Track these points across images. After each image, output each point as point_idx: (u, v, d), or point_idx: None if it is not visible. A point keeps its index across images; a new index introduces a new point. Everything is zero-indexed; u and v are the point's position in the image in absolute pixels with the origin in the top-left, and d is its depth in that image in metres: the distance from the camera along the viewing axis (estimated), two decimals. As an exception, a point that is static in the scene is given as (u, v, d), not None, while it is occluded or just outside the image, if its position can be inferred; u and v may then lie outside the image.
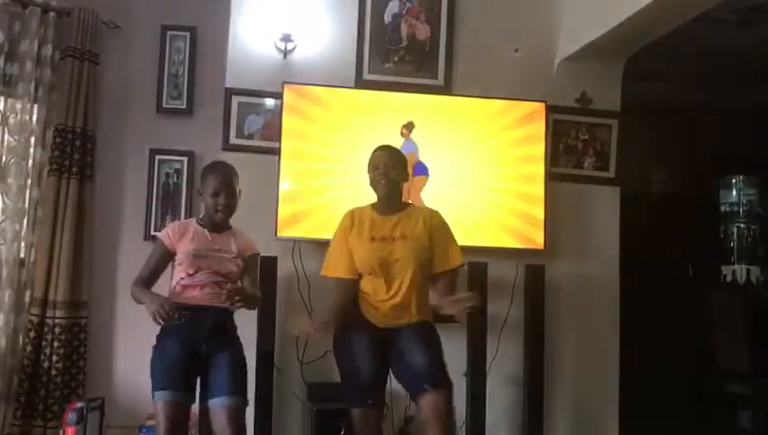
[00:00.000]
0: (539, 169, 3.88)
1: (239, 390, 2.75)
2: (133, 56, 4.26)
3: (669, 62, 4.72)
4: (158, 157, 4.21)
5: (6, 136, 3.88)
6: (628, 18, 3.38)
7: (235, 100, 3.81)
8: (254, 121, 3.83)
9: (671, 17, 3.47)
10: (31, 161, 3.94)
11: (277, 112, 3.75)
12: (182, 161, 4.22)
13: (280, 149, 3.66)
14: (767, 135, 5.60)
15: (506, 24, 4.07)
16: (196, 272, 2.78)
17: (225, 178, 2.87)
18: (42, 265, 3.88)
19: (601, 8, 3.65)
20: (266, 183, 3.53)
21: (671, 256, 5.75)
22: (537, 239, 3.83)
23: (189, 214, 4.09)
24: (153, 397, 2.65)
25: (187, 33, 4.26)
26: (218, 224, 2.89)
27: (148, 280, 2.85)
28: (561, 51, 4.06)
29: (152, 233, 4.14)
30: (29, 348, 3.85)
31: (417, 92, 3.87)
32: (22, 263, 3.89)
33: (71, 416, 3.61)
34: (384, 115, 3.78)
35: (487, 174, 3.84)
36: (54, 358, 3.85)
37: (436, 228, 2.88)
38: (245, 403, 2.78)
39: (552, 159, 4.02)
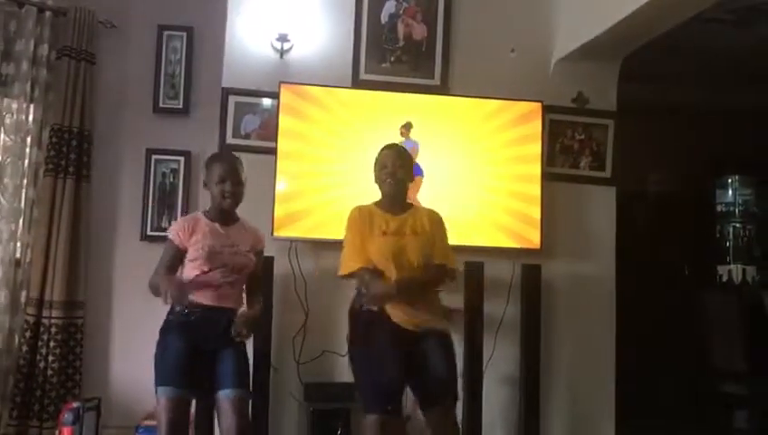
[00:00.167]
0: (535, 169, 3.88)
1: (243, 382, 2.79)
2: (130, 56, 4.26)
3: (665, 62, 4.73)
4: (154, 157, 4.21)
5: (2, 136, 3.89)
6: (624, 18, 3.39)
7: (232, 99, 3.81)
8: (250, 121, 3.82)
9: (667, 17, 3.48)
10: (27, 161, 3.94)
11: (274, 112, 3.75)
12: (179, 161, 4.22)
13: (276, 148, 3.66)
14: (763, 135, 5.62)
15: (502, 24, 4.07)
16: (210, 269, 2.77)
17: (231, 165, 2.89)
18: (38, 265, 3.87)
19: (597, 8, 3.65)
20: (263, 183, 3.53)
21: (667, 256, 5.76)
22: (533, 239, 3.83)
23: (186, 214, 4.08)
24: (156, 392, 2.68)
25: (184, 33, 4.27)
26: (226, 214, 2.89)
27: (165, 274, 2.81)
28: (558, 51, 4.06)
29: (149, 233, 4.16)
30: (25, 348, 3.84)
31: (414, 92, 3.87)
32: (18, 263, 3.89)
33: (67, 416, 3.61)
34: (381, 115, 3.79)
35: (484, 174, 3.84)
36: (50, 358, 3.85)
37: (437, 227, 2.94)
38: (250, 395, 2.86)
39: (549, 158, 4.02)
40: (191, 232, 2.83)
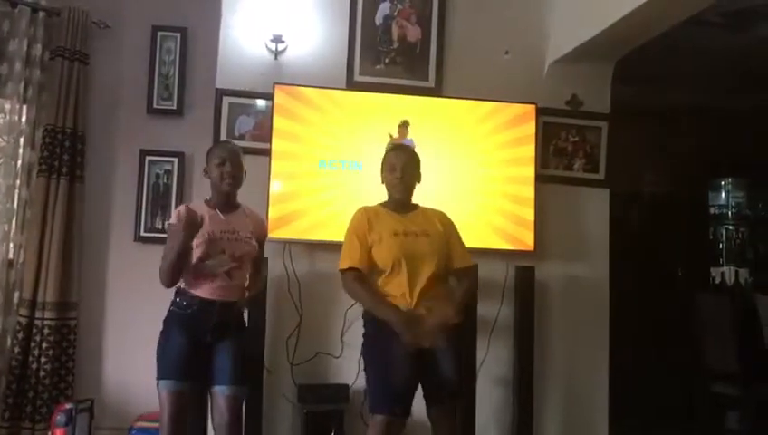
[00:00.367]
0: (529, 171, 3.89)
1: (240, 379, 2.80)
2: (123, 56, 4.26)
3: (659, 64, 4.75)
4: (148, 158, 4.20)
5: (-5, 136, 3.87)
6: (618, 21, 3.39)
7: (226, 100, 3.80)
8: (244, 122, 3.82)
9: (661, 19, 3.48)
10: (20, 162, 3.93)
11: (268, 113, 3.75)
12: (172, 162, 4.21)
13: (271, 150, 3.66)
14: (756, 137, 5.64)
15: (497, 26, 4.07)
16: (207, 258, 2.77)
17: (232, 149, 2.92)
18: (30, 266, 3.86)
19: (591, 11, 3.66)
20: (257, 184, 3.51)
21: (661, 258, 5.78)
22: (527, 241, 3.84)
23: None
24: (157, 385, 2.72)
25: (178, 34, 4.26)
26: (227, 200, 2.88)
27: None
28: (552, 53, 4.07)
29: (142, 234, 4.16)
30: (17, 349, 3.83)
31: (408, 94, 3.87)
32: (10, 264, 3.88)
33: (59, 418, 3.60)
34: (375, 117, 3.79)
35: (478, 175, 3.84)
36: (43, 359, 3.83)
37: (452, 228, 2.93)
38: (245, 393, 2.88)
39: (542, 160, 4.03)
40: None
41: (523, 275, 3.80)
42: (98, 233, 4.16)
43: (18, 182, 3.91)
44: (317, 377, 3.71)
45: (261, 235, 2.98)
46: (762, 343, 4.52)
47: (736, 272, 5.78)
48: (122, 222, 4.18)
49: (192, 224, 2.66)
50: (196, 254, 2.78)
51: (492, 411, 3.84)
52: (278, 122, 3.69)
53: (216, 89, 3.81)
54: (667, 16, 3.44)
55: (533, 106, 3.91)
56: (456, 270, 2.91)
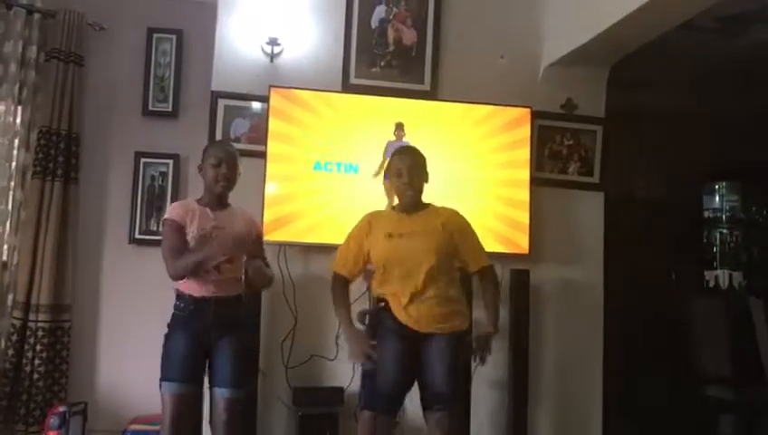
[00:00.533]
0: (524, 174, 3.90)
1: (239, 382, 2.82)
2: (119, 58, 4.25)
3: (654, 68, 4.76)
4: (143, 159, 4.20)
5: (-10, 137, 3.86)
6: (613, 25, 3.41)
7: (222, 103, 3.80)
8: (240, 125, 3.82)
9: (656, 24, 3.50)
10: (14, 163, 3.92)
11: (263, 116, 3.75)
12: (167, 164, 4.21)
13: (266, 152, 3.66)
14: (750, 141, 5.66)
15: (492, 30, 4.09)
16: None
17: (228, 151, 2.91)
18: (24, 268, 3.85)
19: (587, 15, 3.67)
20: (252, 186, 3.52)
21: (655, 261, 5.78)
22: (522, 244, 3.84)
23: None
24: (160, 386, 2.73)
25: (174, 36, 4.26)
26: (219, 200, 2.89)
27: (180, 251, 2.76)
28: (547, 57, 4.08)
29: (137, 236, 4.15)
30: (11, 352, 3.82)
31: (404, 97, 3.87)
32: (4, 266, 3.87)
33: (53, 420, 3.59)
34: (370, 119, 3.79)
35: (473, 179, 3.85)
36: (37, 362, 3.82)
37: (462, 228, 2.89)
38: (245, 395, 2.90)
39: (537, 164, 4.04)
40: (185, 213, 2.82)
41: (518, 278, 3.81)
42: (92, 235, 4.15)
43: (12, 184, 3.90)
44: (312, 380, 3.71)
45: (250, 234, 2.94)
46: (755, 347, 4.53)
47: (730, 275, 5.78)
48: (117, 224, 4.17)
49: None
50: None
51: (487, 414, 3.85)
52: (273, 125, 3.69)
53: (212, 91, 3.81)
54: (661, 21, 3.45)
55: (528, 110, 3.93)
56: (475, 274, 2.90)
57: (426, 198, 2.90)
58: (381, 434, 2.75)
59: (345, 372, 3.62)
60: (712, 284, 5.76)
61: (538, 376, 3.91)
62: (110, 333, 4.12)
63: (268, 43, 3.82)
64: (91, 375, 4.08)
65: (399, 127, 3.77)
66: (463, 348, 2.83)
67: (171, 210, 2.86)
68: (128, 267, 4.11)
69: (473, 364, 3.60)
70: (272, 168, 3.67)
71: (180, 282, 2.79)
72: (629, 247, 5.39)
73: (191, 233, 2.78)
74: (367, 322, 3.05)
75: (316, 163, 3.73)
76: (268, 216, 3.61)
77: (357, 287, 3.47)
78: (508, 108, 3.91)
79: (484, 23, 4.08)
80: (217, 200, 2.89)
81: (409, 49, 4.00)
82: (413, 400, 2.80)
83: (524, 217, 3.86)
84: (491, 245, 3.79)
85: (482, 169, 3.87)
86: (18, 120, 3.93)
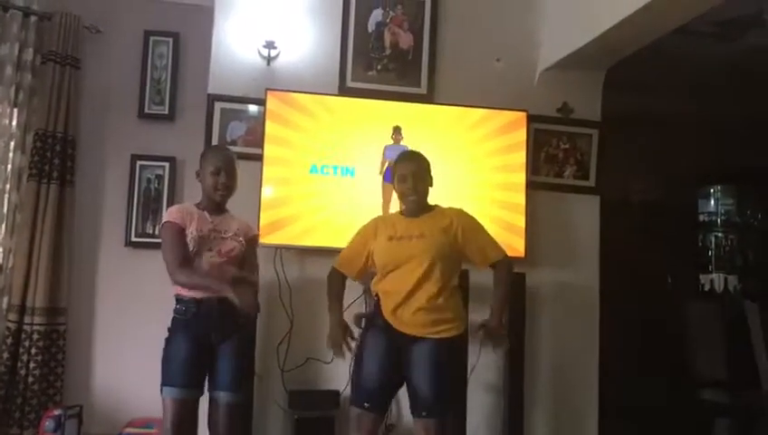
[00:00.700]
0: (520, 178, 3.90)
1: (240, 385, 2.84)
2: (115, 61, 4.25)
3: (650, 72, 4.77)
4: (139, 162, 4.19)
5: (-14, 140, 3.86)
6: (609, 29, 3.41)
7: (218, 106, 3.80)
8: (236, 128, 3.82)
9: (652, 28, 3.51)
10: (10, 166, 3.91)
11: (260, 119, 3.75)
12: (164, 167, 4.20)
13: (262, 155, 3.66)
14: (745, 145, 5.68)
15: (489, 33, 4.09)
16: (196, 255, 2.78)
17: (227, 158, 2.93)
18: (20, 271, 3.84)
19: (583, 19, 3.68)
20: (249, 190, 3.51)
21: (650, 265, 5.79)
22: (518, 247, 3.84)
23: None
24: (161, 391, 2.73)
25: (170, 39, 4.26)
26: (217, 206, 2.91)
27: (188, 261, 2.78)
28: (543, 61, 4.09)
29: (133, 239, 4.14)
30: (6, 355, 3.81)
31: (400, 101, 3.88)
32: (0, 268, 3.85)
33: (48, 424, 3.58)
34: (367, 123, 3.79)
35: (468, 182, 3.85)
36: (32, 365, 3.81)
37: (468, 227, 2.89)
38: (244, 398, 2.94)
39: (533, 167, 4.05)
40: (184, 216, 2.84)
41: (514, 282, 3.76)
42: (88, 238, 4.14)
43: (8, 186, 3.89)
44: (308, 383, 3.70)
45: (248, 234, 2.97)
46: (751, 350, 4.54)
47: (725, 279, 5.81)
48: (113, 227, 4.16)
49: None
50: None
51: (482, 418, 3.85)
52: (270, 128, 3.69)
53: (208, 94, 3.81)
54: (657, 25, 3.46)
55: (525, 113, 3.93)
56: (490, 267, 2.90)
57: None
58: (364, 429, 2.76)
59: (341, 376, 3.62)
60: (707, 287, 5.79)
61: (534, 379, 3.91)
62: (105, 336, 4.11)
63: (265, 47, 3.82)
64: (86, 378, 4.07)
65: (397, 130, 3.78)
66: (453, 354, 2.83)
67: (170, 214, 2.87)
68: (123, 270, 4.11)
69: (469, 367, 3.64)
70: (268, 171, 3.66)
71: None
72: (625, 251, 5.40)
73: (190, 235, 2.79)
74: (363, 325, 3.06)
75: (312, 166, 3.73)
76: (264, 219, 3.61)
77: (355, 290, 3.49)
78: (504, 111, 3.91)
79: (480, 27, 4.09)
80: (216, 206, 2.92)
81: (406, 53, 4.01)
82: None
83: (520, 221, 3.86)
84: (487, 248, 3.81)
85: (478, 172, 3.87)
86: (14, 123, 3.92)
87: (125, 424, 3.80)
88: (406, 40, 4.01)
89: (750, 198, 6.14)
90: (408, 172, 2.85)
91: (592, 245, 4.14)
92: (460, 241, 2.84)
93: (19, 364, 3.81)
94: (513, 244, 3.84)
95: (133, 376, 3.91)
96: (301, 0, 3.93)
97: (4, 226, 3.87)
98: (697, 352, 4.73)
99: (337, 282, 2.96)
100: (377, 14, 3.99)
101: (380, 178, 3.72)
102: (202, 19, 3.97)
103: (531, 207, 3.90)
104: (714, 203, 6.07)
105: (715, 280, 5.84)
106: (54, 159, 3.94)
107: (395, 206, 3.48)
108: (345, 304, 3.54)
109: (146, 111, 4.22)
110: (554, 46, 3.99)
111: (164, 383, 2.73)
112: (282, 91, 3.74)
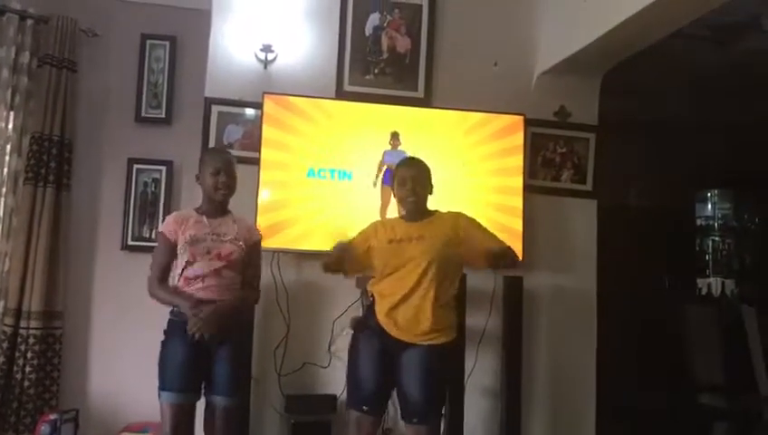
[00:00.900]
0: (517, 182, 3.90)
1: (236, 390, 2.83)
2: (112, 65, 4.24)
3: (647, 76, 4.78)
4: (136, 166, 4.18)
5: (-18, 144, 3.85)
6: (606, 33, 3.42)
7: (215, 109, 3.80)
8: (233, 131, 3.81)
9: (648, 32, 3.52)
10: (6, 169, 3.90)
11: (257, 122, 3.74)
12: (160, 171, 4.20)
13: (260, 159, 3.66)
14: (742, 149, 5.69)
15: (486, 37, 4.09)
16: (194, 260, 2.78)
17: (225, 158, 2.94)
18: (16, 275, 3.83)
19: (580, 23, 3.69)
20: (246, 193, 3.50)
21: (648, 269, 5.80)
22: (515, 251, 3.83)
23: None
24: (159, 395, 2.73)
25: (167, 42, 4.26)
26: (218, 208, 2.90)
27: (164, 278, 2.86)
28: (540, 65, 4.09)
29: (129, 242, 4.13)
30: (2, 359, 3.79)
31: (398, 104, 3.88)
32: (-5, 272, 3.85)
33: (44, 428, 3.57)
34: (364, 126, 3.79)
35: (466, 186, 3.85)
36: (28, 369, 3.80)
37: (467, 226, 2.89)
38: (241, 403, 2.93)
39: (531, 171, 4.04)
40: (181, 224, 2.84)
41: (511, 286, 3.80)
42: (84, 241, 4.13)
43: (4, 190, 3.88)
44: (304, 387, 3.69)
45: (249, 239, 2.95)
46: (748, 355, 4.54)
47: (723, 283, 5.81)
48: (109, 231, 4.15)
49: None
50: (183, 258, 2.80)
51: (480, 422, 3.84)
52: (267, 132, 3.68)
53: (205, 97, 3.81)
54: (654, 29, 3.47)
55: (522, 117, 3.93)
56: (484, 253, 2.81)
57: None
58: (363, 433, 2.77)
59: (338, 380, 3.61)
60: (705, 291, 5.79)
61: (531, 383, 3.91)
62: (101, 340, 4.10)
63: (262, 50, 3.82)
64: (82, 383, 4.06)
65: (395, 136, 3.78)
66: (444, 360, 2.82)
67: (165, 223, 2.91)
68: (120, 274, 4.09)
69: (466, 371, 3.64)
70: (265, 174, 3.66)
71: (179, 286, 2.81)
72: (622, 255, 5.41)
73: (182, 241, 2.80)
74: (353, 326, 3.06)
75: (309, 170, 3.73)
76: (261, 222, 3.59)
77: (353, 294, 3.48)
78: (501, 115, 3.91)
79: (477, 31, 4.09)
80: (216, 208, 2.91)
81: (403, 56, 4.01)
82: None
83: (518, 225, 3.86)
84: (484, 252, 3.81)
85: (475, 175, 3.87)
86: (10, 126, 3.92)
87: (121, 429, 3.78)
88: (403, 44, 4.01)
89: (747, 202, 6.16)
90: (408, 176, 2.87)
91: (589, 248, 4.14)
92: (462, 236, 2.84)
93: (15, 368, 3.80)
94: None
95: (129, 380, 3.90)
96: (298, 3, 3.93)
97: (0, 229, 3.85)
98: (695, 356, 4.73)
99: (338, 265, 2.87)
100: (374, 18, 3.99)
101: (372, 184, 3.72)
102: (199, 22, 3.96)
103: (528, 210, 3.89)
104: (711, 207, 6.08)
105: (713, 284, 5.84)
106: (51, 163, 3.93)
107: (393, 209, 3.49)
108: (342, 307, 3.57)
109: (143, 114, 4.22)
110: (551, 50, 3.99)
111: (161, 388, 2.73)
112: (279, 94, 3.74)
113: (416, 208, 2.88)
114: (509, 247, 2.82)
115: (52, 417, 3.63)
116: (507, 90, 4.04)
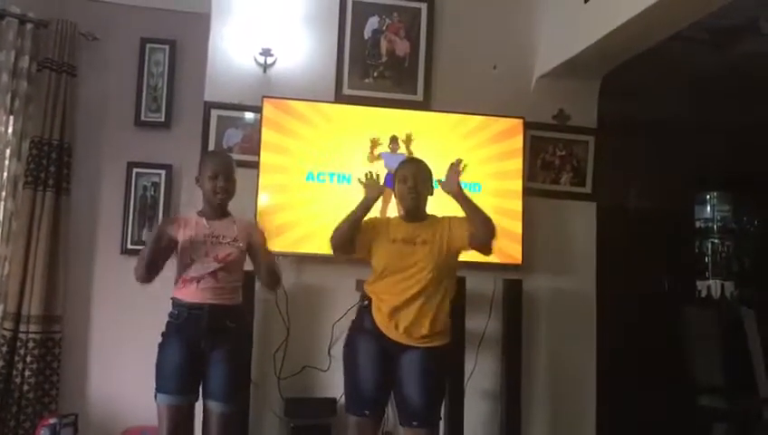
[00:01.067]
0: (516, 185, 3.90)
1: (233, 396, 2.81)
2: (111, 69, 4.25)
3: (645, 79, 4.78)
4: (135, 170, 4.19)
5: (-19, 148, 3.85)
6: (604, 36, 3.42)
7: (214, 113, 3.80)
8: (233, 135, 3.82)
9: (647, 35, 3.52)
10: (6, 173, 3.90)
11: (256, 126, 3.75)
12: (160, 174, 4.20)
13: (259, 162, 3.66)
14: (741, 151, 5.69)
15: (485, 40, 4.10)
16: (192, 262, 2.78)
17: (224, 161, 2.94)
18: (15, 279, 3.83)
19: (578, 26, 3.69)
20: (245, 197, 3.50)
21: (647, 271, 5.80)
22: (515, 254, 3.84)
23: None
24: (155, 397, 2.72)
25: (167, 46, 4.26)
26: (217, 211, 2.90)
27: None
28: (539, 68, 4.10)
29: (129, 247, 4.14)
30: (1, 363, 3.80)
31: (397, 108, 3.88)
32: (-5, 276, 3.84)
33: (43, 432, 3.57)
34: (363, 130, 3.79)
35: (465, 189, 3.84)
36: (27, 373, 3.80)
37: (457, 218, 2.91)
38: (238, 408, 2.91)
39: (530, 174, 4.05)
40: (183, 226, 2.83)
41: (511, 288, 3.80)
42: (84, 245, 4.13)
43: (4, 194, 3.89)
44: (304, 391, 3.69)
45: (252, 235, 2.94)
46: (747, 357, 4.54)
47: (722, 285, 5.80)
48: (109, 235, 4.15)
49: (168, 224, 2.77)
50: (182, 260, 2.81)
51: (480, 424, 3.84)
52: (266, 135, 3.69)
53: (205, 101, 3.81)
54: (653, 32, 3.47)
55: (521, 120, 3.94)
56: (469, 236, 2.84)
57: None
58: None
59: (338, 383, 3.58)
60: (704, 294, 5.78)
61: (531, 386, 3.91)
62: (101, 344, 4.10)
63: (261, 54, 3.82)
64: (81, 387, 4.06)
65: (394, 140, 3.78)
66: (443, 363, 2.84)
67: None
68: (119, 278, 4.06)
69: (466, 374, 3.64)
70: (264, 178, 3.66)
71: (177, 288, 2.80)
72: (622, 257, 5.40)
73: (182, 241, 2.79)
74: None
75: (309, 174, 3.73)
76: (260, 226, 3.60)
77: (351, 297, 3.48)
78: (501, 118, 3.91)
79: (476, 34, 4.10)
80: (216, 210, 2.91)
81: (402, 60, 4.01)
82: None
83: (517, 227, 3.86)
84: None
85: (474, 178, 3.86)
86: (10, 130, 3.92)
87: (120, 433, 3.78)
88: (402, 47, 4.01)
89: (746, 205, 6.15)
90: (410, 173, 2.89)
91: (589, 251, 4.14)
92: (453, 229, 2.86)
93: (14, 372, 3.80)
94: (510, 250, 3.84)
95: (129, 384, 3.90)
96: (297, 7, 3.93)
97: (0, 233, 3.86)
98: (695, 358, 4.73)
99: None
100: (373, 22, 4.00)
101: (361, 176, 3.71)
102: (198, 26, 3.96)
103: (527, 213, 3.90)
104: (710, 209, 6.07)
105: (712, 286, 5.83)
106: (50, 167, 3.93)
107: (392, 210, 3.49)
108: (342, 310, 3.56)
109: (142, 118, 4.22)
110: (550, 53, 4.00)
111: (158, 390, 2.72)
112: (278, 98, 3.75)
113: (416, 206, 2.89)
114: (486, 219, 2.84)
115: (52, 421, 3.63)
116: (506, 93, 4.05)
